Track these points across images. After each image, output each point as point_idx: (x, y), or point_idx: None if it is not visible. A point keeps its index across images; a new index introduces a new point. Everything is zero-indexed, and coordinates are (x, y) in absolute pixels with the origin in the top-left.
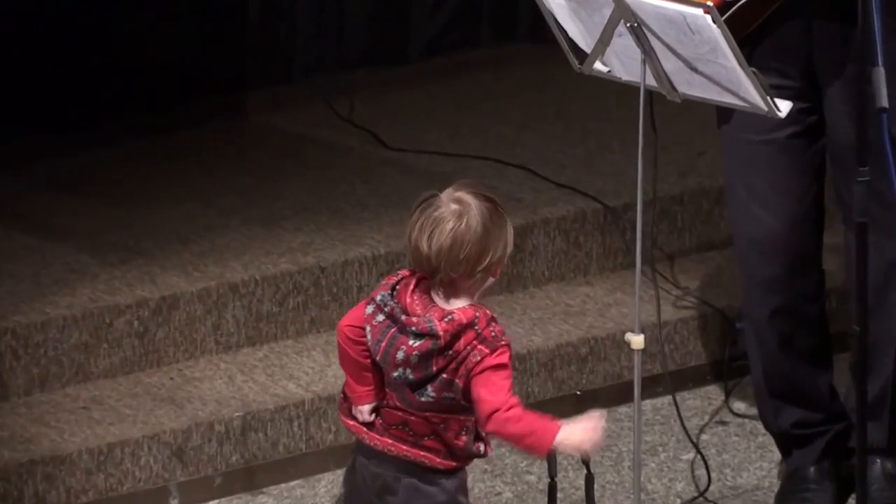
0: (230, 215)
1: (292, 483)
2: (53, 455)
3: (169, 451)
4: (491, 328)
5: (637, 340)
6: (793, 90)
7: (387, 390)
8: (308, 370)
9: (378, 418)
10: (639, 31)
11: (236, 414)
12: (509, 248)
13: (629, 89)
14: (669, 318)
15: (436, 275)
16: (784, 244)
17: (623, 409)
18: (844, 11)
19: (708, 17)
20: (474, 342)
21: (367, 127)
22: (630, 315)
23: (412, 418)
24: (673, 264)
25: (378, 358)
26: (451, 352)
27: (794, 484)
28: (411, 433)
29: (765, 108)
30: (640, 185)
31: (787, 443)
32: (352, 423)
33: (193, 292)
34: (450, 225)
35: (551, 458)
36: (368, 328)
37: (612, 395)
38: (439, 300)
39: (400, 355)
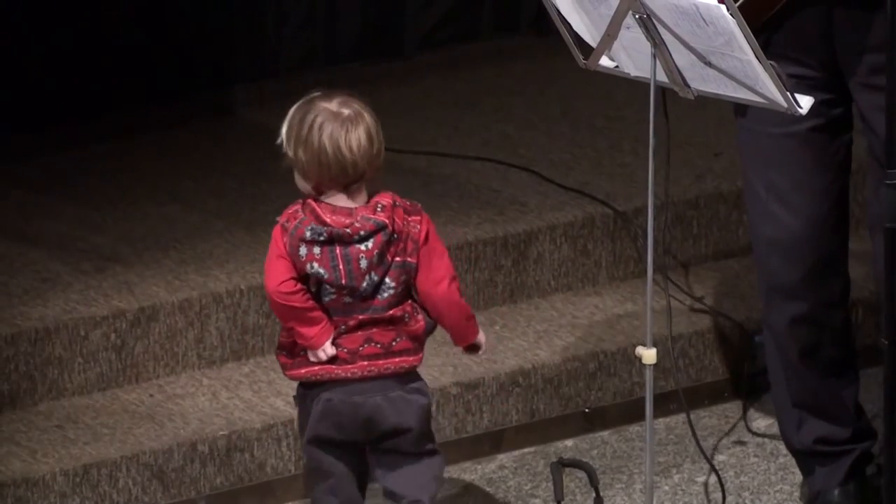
0: (213, 220)
1: None
2: (25, 477)
3: (149, 472)
4: (403, 199)
5: (649, 355)
6: (813, 81)
7: (335, 319)
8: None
9: (340, 349)
10: (648, 23)
11: (221, 433)
12: None
13: (640, 85)
14: (684, 330)
15: (360, 178)
16: (805, 246)
17: (634, 428)
18: None
19: (723, 7)
20: (405, 216)
21: None
22: (641, 327)
23: (374, 330)
24: (687, 273)
25: (344, 282)
26: (396, 234)
27: None
28: (379, 345)
29: (784, 104)
30: (652, 187)
31: (809, 461)
32: (316, 367)
33: (174, 303)
34: (361, 125)
35: (557, 479)
36: (315, 265)
37: (622, 413)
38: (352, 205)
39: (363, 263)
